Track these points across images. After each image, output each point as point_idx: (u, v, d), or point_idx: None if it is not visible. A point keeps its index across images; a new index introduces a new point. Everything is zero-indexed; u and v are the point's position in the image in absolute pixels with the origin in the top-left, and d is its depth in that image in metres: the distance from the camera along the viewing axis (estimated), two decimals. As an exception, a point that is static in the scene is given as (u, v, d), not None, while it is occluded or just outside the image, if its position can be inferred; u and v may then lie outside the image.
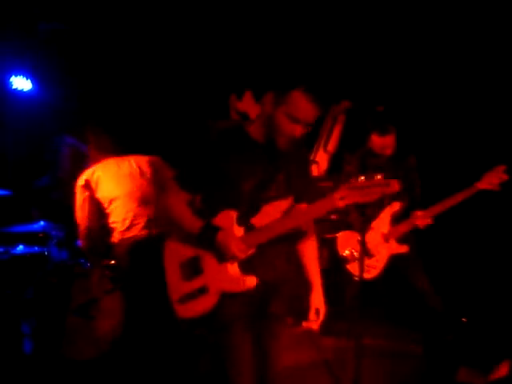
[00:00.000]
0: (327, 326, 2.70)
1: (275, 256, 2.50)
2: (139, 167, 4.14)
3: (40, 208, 4.76)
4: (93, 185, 4.03)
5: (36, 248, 4.42)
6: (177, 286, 2.53)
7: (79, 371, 3.83)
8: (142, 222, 4.08)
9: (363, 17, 5.07)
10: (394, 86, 5.23)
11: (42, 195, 4.88)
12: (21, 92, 5.47)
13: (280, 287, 2.54)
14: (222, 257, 2.41)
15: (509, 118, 4.77)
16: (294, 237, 2.61)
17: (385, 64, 5.25)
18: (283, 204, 2.49)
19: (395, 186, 2.26)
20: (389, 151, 3.99)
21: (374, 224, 4.02)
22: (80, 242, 4.17)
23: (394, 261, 3.99)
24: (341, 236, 4.18)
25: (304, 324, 2.60)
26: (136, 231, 4.07)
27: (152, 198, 4.13)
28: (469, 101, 4.96)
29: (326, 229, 4.50)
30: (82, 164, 4.30)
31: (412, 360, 4.03)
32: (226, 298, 2.42)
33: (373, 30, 5.12)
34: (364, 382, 3.03)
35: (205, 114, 5.46)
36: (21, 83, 5.44)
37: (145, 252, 3.94)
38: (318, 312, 2.58)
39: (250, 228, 2.42)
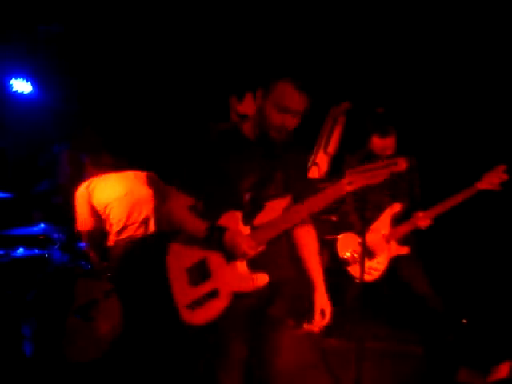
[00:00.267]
0: (328, 328, 2.69)
1: (278, 254, 2.50)
2: (136, 177, 4.28)
3: (41, 211, 4.77)
4: (90, 193, 4.17)
5: (36, 250, 4.42)
6: (185, 292, 2.46)
7: (80, 373, 3.83)
8: (137, 222, 4.14)
9: (363, 18, 5.07)
10: (394, 87, 5.23)
11: (43, 199, 4.89)
12: (21, 94, 5.48)
13: (282, 287, 2.51)
14: (231, 256, 2.39)
15: (508, 118, 4.77)
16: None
17: (385, 65, 5.25)
18: (283, 202, 2.49)
19: (402, 164, 2.25)
20: (389, 152, 3.99)
21: (374, 225, 4.01)
22: (84, 244, 4.24)
23: (395, 262, 3.99)
24: (341, 238, 4.18)
25: (305, 326, 2.59)
26: (131, 231, 4.14)
27: (148, 199, 4.19)
28: (468, 101, 4.96)
29: (326, 230, 4.50)
30: (81, 168, 4.35)
31: (412, 360, 4.02)
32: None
33: (373, 32, 5.12)
34: (365, 382, 3.03)
35: (206, 117, 5.46)
36: (21, 86, 5.44)
37: (140, 252, 3.97)
38: (323, 313, 2.54)
39: (255, 227, 2.41)
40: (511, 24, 4.56)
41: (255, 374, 2.46)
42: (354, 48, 5.28)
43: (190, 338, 3.40)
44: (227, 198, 2.44)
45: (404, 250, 3.97)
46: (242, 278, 2.39)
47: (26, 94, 5.49)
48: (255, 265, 2.40)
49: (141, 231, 4.20)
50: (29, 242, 4.48)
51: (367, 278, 3.91)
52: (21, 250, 4.39)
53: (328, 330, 2.74)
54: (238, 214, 2.41)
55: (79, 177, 4.34)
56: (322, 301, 2.56)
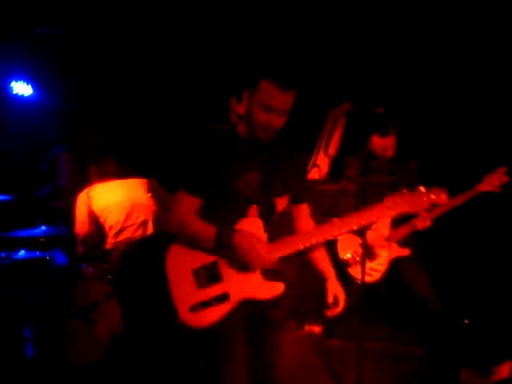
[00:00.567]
0: (329, 329, 2.70)
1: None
2: (136, 183, 4.35)
3: (43, 216, 4.78)
4: (90, 198, 4.21)
5: (37, 253, 4.42)
6: (189, 293, 2.38)
7: (81, 375, 3.83)
8: (135, 224, 4.16)
9: (363, 19, 5.07)
10: (394, 87, 5.23)
11: (44, 204, 4.90)
12: (21, 97, 5.48)
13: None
14: (246, 267, 2.36)
15: (509, 120, 4.77)
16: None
17: (385, 66, 5.25)
18: (282, 202, 2.50)
19: (443, 197, 2.36)
20: (390, 152, 3.99)
21: (374, 227, 4.01)
22: (78, 248, 4.24)
23: (395, 263, 3.99)
24: (341, 239, 4.17)
25: (306, 327, 2.60)
26: (129, 233, 4.15)
27: (148, 203, 4.22)
28: (469, 102, 4.96)
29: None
30: (82, 171, 4.38)
31: (413, 361, 4.02)
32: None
33: (373, 32, 5.13)
34: (365, 383, 3.04)
35: (206, 118, 5.47)
36: (21, 88, 5.45)
37: (138, 253, 3.98)
38: (336, 300, 2.55)
39: (273, 232, 2.40)
40: (511, 24, 4.57)
41: (257, 376, 2.46)
42: (354, 49, 5.28)
43: (188, 340, 3.41)
44: (226, 197, 2.42)
45: (405, 252, 3.97)
46: (257, 285, 2.37)
47: (26, 97, 5.49)
48: (273, 272, 2.39)
49: (139, 233, 4.23)
50: (30, 244, 4.49)
51: (368, 279, 3.91)
52: (22, 252, 4.39)
53: (329, 331, 2.75)
54: (260, 222, 2.40)
55: (79, 178, 4.36)
56: (334, 288, 2.58)
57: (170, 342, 3.76)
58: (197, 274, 2.39)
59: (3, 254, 4.29)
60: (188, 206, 2.42)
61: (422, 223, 3.85)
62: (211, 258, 2.39)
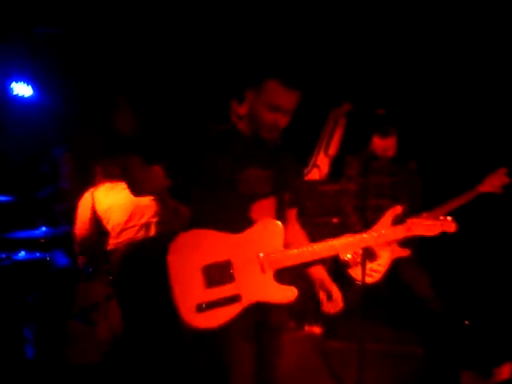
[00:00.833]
0: (329, 329, 2.70)
1: None
2: None
3: (44, 217, 4.78)
4: (94, 198, 4.16)
5: (38, 254, 4.42)
6: (196, 292, 2.25)
7: (81, 375, 3.83)
8: (137, 225, 4.14)
9: (364, 19, 5.08)
10: (394, 88, 5.23)
11: (44, 205, 4.90)
12: (22, 98, 5.48)
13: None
14: (259, 268, 2.33)
15: (509, 121, 4.77)
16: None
17: (385, 66, 5.26)
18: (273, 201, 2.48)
19: (452, 226, 2.54)
20: (390, 153, 4.00)
21: (375, 227, 4.01)
22: (75, 248, 4.24)
23: (395, 264, 3.99)
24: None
25: (306, 328, 2.59)
26: (131, 234, 4.13)
27: (151, 205, 4.20)
28: (470, 103, 4.97)
29: (327, 232, 4.50)
30: (85, 172, 4.37)
31: (413, 361, 4.02)
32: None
33: (373, 33, 5.13)
34: (366, 383, 3.03)
35: (206, 119, 5.46)
36: (22, 89, 5.44)
37: (140, 254, 3.97)
38: (329, 294, 2.52)
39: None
40: (511, 25, 4.57)
41: (257, 376, 2.45)
42: (355, 49, 5.29)
43: (188, 340, 3.40)
44: (227, 195, 2.40)
45: (405, 252, 3.97)
46: (271, 289, 2.33)
47: (26, 98, 5.48)
48: (284, 276, 2.37)
49: (141, 234, 4.20)
50: (30, 245, 4.49)
51: (368, 280, 3.91)
52: (22, 253, 4.39)
53: (329, 332, 2.75)
54: (278, 225, 2.38)
55: (79, 178, 4.34)
56: (325, 285, 2.55)
57: (170, 342, 3.77)
58: (207, 271, 2.27)
59: (3, 255, 4.29)
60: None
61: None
62: (224, 257, 2.30)
